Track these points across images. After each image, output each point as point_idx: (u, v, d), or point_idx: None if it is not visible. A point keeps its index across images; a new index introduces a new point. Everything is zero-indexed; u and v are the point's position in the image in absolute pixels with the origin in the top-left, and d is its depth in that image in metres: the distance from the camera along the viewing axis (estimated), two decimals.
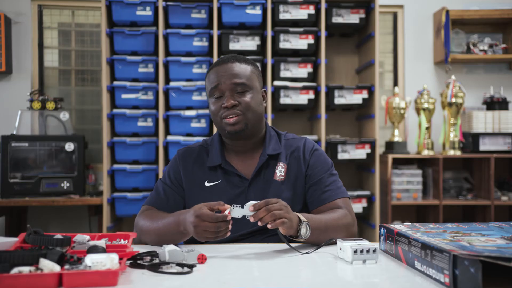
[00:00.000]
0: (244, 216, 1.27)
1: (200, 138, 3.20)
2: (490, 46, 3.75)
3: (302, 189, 1.53)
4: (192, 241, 1.56)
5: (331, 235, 1.37)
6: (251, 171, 1.52)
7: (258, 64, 3.02)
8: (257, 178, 1.51)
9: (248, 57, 1.60)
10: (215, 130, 3.27)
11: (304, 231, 1.30)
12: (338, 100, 3.37)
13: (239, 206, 1.26)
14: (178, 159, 1.58)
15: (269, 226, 1.23)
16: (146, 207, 1.52)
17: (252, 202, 1.25)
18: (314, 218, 1.36)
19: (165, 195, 1.53)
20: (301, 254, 1.28)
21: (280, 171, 1.52)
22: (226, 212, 1.24)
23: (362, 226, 3.62)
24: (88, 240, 1.21)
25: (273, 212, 1.23)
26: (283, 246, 1.37)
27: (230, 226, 1.24)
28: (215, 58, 3.28)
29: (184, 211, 1.33)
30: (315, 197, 1.51)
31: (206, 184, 1.52)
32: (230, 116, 1.46)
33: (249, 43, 3.31)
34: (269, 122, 3.26)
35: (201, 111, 3.29)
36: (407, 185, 3.48)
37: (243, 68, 1.50)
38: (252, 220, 1.24)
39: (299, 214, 1.32)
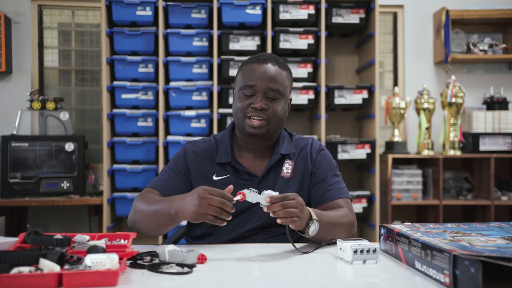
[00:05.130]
0: (248, 210, 1.27)
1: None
2: (490, 46, 3.75)
3: (307, 187, 1.55)
4: (192, 240, 1.56)
5: (334, 233, 1.38)
6: (260, 169, 1.53)
7: None
8: (267, 176, 1.53)
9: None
10: (215, 130, 3.27)
11: (312, 229, 1.31)
12: (338, 100, 3.38)
13: (256, 192, 1.26)
14: (186, 153, 1.57)
15: (278, 221, 1.24)
16: (148, 189, 1.50)
17: (270, 193, 1.25)
18: (322, 214, 1.37)
19: (169, 180, 1.51)
20: (301, 254, 1.29)
21: (287, 168, 1.54)
22: (238, 198, 1.24)
23: (362, 226, 3.62)
24: (88, 240, 1.21)
25: (288, 209, 1.23)
26: (283, 246, 1.37)
27: (230, 214, 1.24)
28: (215, 58, 3.28)
29: (180, 195, 1.33)
30: (318, 196, 1.52)
31: (214, 178, 1.52)
32: (255, 118, 1.46)
33: (249, 43, 3.31)
34: None
35: (201, 111, 3.29)
36: (407, 185, 3.48)
37: (280, 74, 1.49)
38: (265, 210, 1.25)
39: (311, 211, 1.33)
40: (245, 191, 1.26)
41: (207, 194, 1.22)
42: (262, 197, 1.25)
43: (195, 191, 1.26)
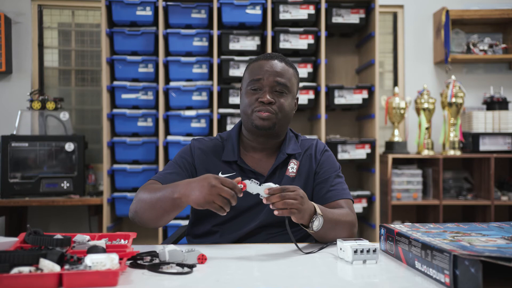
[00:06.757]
0: (251, 210, 1.27)
1: None
2: (490, 46, 3.75)
3: (311, 186, 1.56)
4: (191, 239, 1.56)
5: (336, 230, 1.38)
6: (266, 168, 1.54)
7: None
8: (273, 175, 1.53)
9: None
10: (215, 130, 3.27)
11: (317, 223, 1.31)
12: (338, 100, 3.37)
13: (257, 183, 1.27)
14: (192, 149, 1.56)
15: (276, 213, 1.24)
16: (152, 181, 1.48)
17: (270, 184, 1.26)
18: (326, 211, 1.38)
19: (174, 173, 1.50)
20: (301, 254, 1.28)
21: (292, 167, 1.55)
22: (241, 186, 1.25)
23: (362, 226, 3.62)
24: (88, 240, 1.21)
25: (286, 200, 1.24)
26: (284, 246, 1.37)
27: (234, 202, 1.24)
28: (215, 58, 3.28)
29: (185, 180, 1.32)
30: (320, 195, 1.53)
31: (220, 174, 1.52)
32: (263, 111, 1.46)
33: (249, 43, 3.31)
34: None
35: (201, 111, 3.29)
36: (407, 185, 3.48)
37: (287, 70, 1.51)
38: (264, 201, 1.25)
39: (316, 206, 1.33)
40: (246, 181, 1.27)
41: (219, 183, 1.22)
42: (261, 189, 1.26)
43: (205, 177, 1.25)
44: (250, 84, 1.49)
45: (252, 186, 1.26)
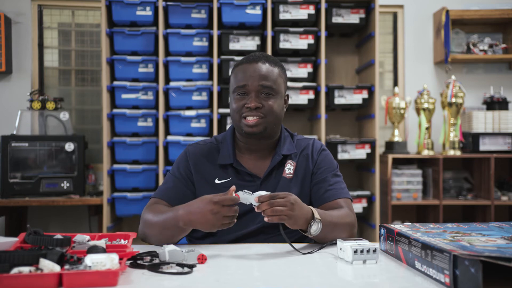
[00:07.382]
0: (250, 212, 1.28)
1: (200, 138, 3.20)
2: (490, 46, 3.75)
3: (309, 187, 1.55)
4: (191, 240, 1.56)
5: (336, 232, 1.38)
6: (262, 170, 1.53)
7: None
8: (269, 177, 1.53)
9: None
10: (215, 130, 3.27)
11: (314, 228, 1.31)
12: (338, 100, 3.38)
13: (249, 193, 1.28)
14: (188, 155, 1.56)
15: (265, 219, 1.25)
16: (155, 200, 1.50)
17: (261, 193, 1.27)
18: (325, 214, 1.37)
19: (174, 187, 1.51)
20: (301, 254, 1.28)
21: (289, 168, 1.54)
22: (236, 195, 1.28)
23: (362, 226, 3.62)
24: (88, 240, 1.21)
25: (274, 208, 1.24)
26: (284, 246, 1.37)
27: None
28: (215, 58, 3.28)
29: (182, 206, 1.33)
30: (319, 195, 1.52)
31: (217, 181, 1.52)
32: (250, 117, 1.46)
33: (249, 43, 3.31)
34: None
35: (201, 111, 3.29)
36: (407, 185, 3.48)
37: (271, 71, 1.50)
38: (256, 210, 1.27)
39: (314, 211, 1.33)
40: (239, 193, 1.28)
41: (219, 208, 1.24)
42: (253, 198, 1.27)
43: (203, 205, 1.26)
44: (236, 90, 1.49)
45: (245, 197, 1.28)
